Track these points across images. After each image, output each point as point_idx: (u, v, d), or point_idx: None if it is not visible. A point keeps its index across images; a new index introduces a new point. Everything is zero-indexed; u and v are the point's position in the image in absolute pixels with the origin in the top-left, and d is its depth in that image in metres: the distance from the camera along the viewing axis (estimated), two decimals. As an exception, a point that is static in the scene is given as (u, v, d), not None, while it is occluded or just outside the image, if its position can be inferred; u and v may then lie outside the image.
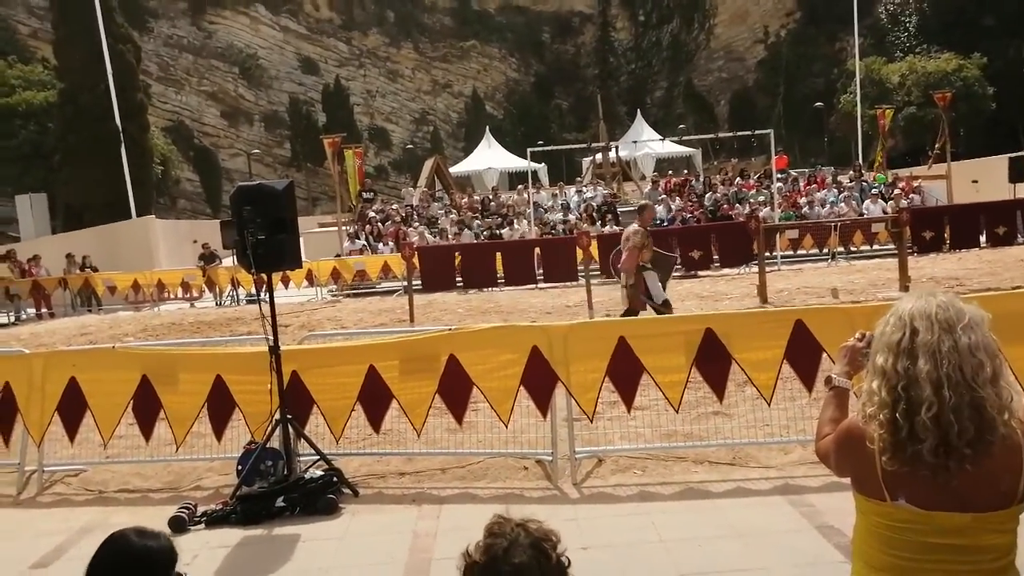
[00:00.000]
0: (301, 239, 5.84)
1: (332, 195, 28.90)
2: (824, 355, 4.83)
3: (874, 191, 22.00)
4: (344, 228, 21.53)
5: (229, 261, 18.59)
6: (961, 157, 28.75)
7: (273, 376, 4.88)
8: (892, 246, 14.34)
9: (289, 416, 4.95)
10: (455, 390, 5.00)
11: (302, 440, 5.10)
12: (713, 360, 4.93)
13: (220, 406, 5.25)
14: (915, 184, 23.40)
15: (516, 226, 20.35)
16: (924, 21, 45.29)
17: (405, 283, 13.14)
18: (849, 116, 39.42)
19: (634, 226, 8.38)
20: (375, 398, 5.10)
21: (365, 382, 5.08)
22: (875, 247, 17.65)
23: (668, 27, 63.70)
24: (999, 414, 1.71)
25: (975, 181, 25.93)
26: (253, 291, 14.89)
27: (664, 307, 8.36)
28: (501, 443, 5.18)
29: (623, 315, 8.32)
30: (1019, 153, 25.88)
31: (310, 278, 17.05)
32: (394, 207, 24.95)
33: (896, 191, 22.20)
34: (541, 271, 12.90)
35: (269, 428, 4.93)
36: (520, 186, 26.13)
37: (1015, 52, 39.40)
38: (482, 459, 5.21)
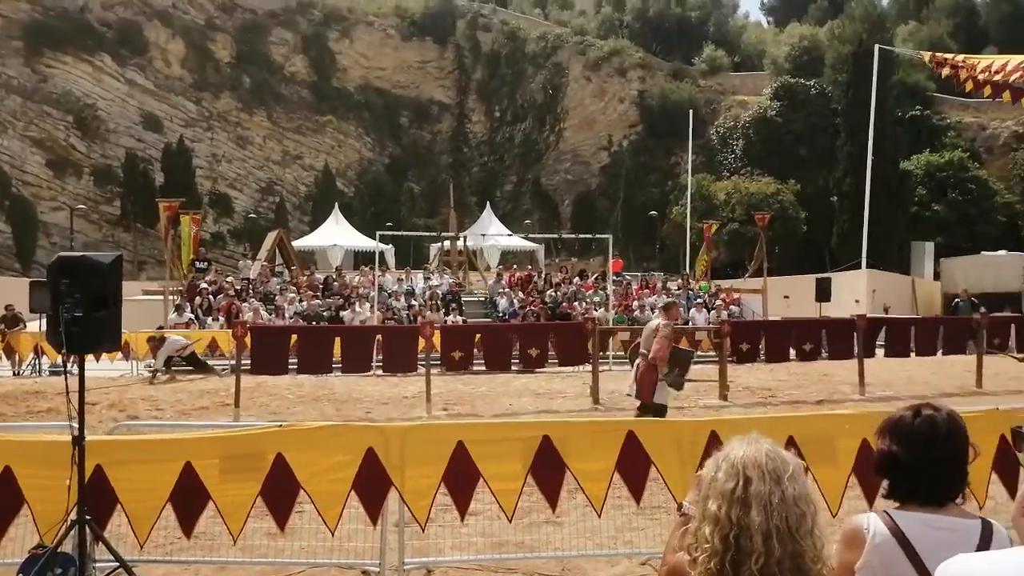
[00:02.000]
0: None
1: (161, 260, 27.33)
2: (652, 467, 4.99)
3: (698, 301, 23.55)
4: (171, 298, 20.33)
5: (34, 325, 16.96)
6: (775, 274, 31.51)
7: (74, 470, 4.39)
8: (713, 354, 15.25)
9: (88, 517, 4.45)
10: (280, 492, 4.69)
11: (100, 544, 4.58)
12: (548, 468, 4.96)
13: (4, 503, 4.64)
14: (735, 296, 25.30)
15: (358, 308, 20.00)
16: (749, 146, 49.97)
17: (232, 362, 12.49)
18: (679, 227, 42.42)
19: (661, 320, 8.70)
20: (189, 499, 4.68)
21: (179, 480, 4.65)
22: (698, 353, 18.74)
23: (521, 125, 66.52)
24: (814, 564, 1.79)
25: (787, 297, 28.47)
26: (59, 362, 13.58)
27: (661, 410, 8.39)
28: (326, 551, 4.90)
29: (642, 413, 8.28)
30: (825, 275, 28.78)
31: (126, 351, 15.71)
32: (228, 279, 23.89)
33: (718, 302, 23.88)
34: (380, 358, 12.65)
35: (62, 530, 4.40)
36: (365, 267, 25.88)
37: (823, 182, 44.14)
38: (304, 569, 4.89)
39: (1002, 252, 30.84)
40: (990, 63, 16.82)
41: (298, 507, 4.85)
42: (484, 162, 66.30)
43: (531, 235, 39.30)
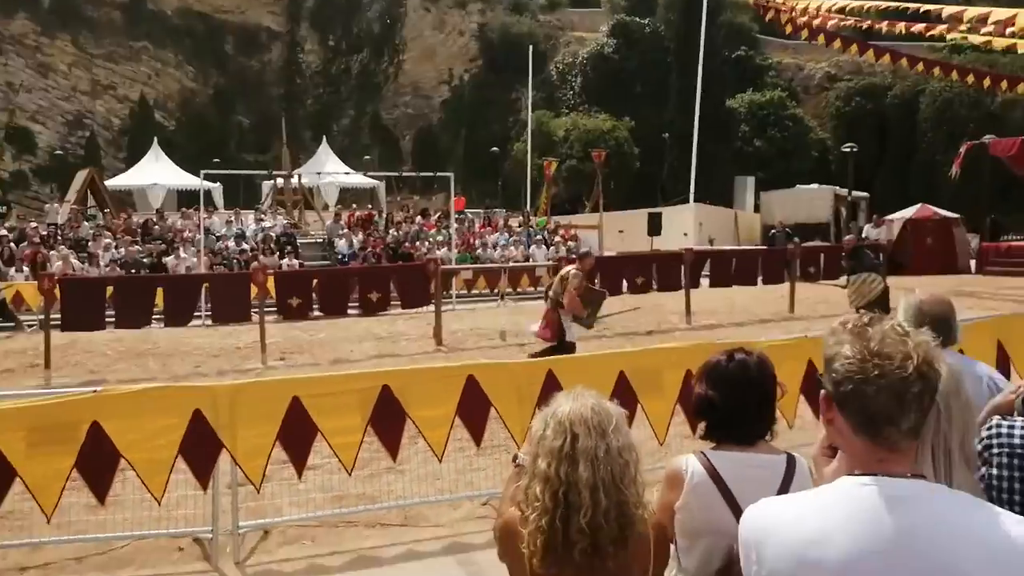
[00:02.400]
0: None
1: (-47, 203, 24.42)
2: (492, 409, 5.06)
3: (538, 237, 24.03)
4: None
5: None
6: (611, 208, 32.62)
7: None
8: (553, 289, 15.61)
9: None
10: (98, 463, 4.35)
11: None
12: (388, 418, 4.90)
13: None
14: (572, 232, 26.01)
15: (183, 254, 18.79)
16: (587, 83, 50.81)
17: (41, 318, 11.43)
18: (520, 163, 42.84)
19: (573, 269, 8.83)
20: (-10, 478, 4.26)
21: (-22, 458, 4.22)
22: (538, 288, 19.25)
23: (358, 56, 64.08)
24: (636, 509, 1.86)
25: (621, 231, 29.60)
26: None
27: (570, 347, 8.65)
28: (153, 521, 4.63)
29: (542, 353, 8.45)
30: (656, 209, 30.12)
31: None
32: (33, 225, 21.66)
33: (557, 238, 24.47)
34: (208, 307, 12.00)
35: None
36: (190, 208, 24.33)
37: (656, 119, 45.81)
38: (129, 542, 4.61)
39: (814, 185, 33.43)
40: (806, 5, 17.86)
41: (120, 476, 4.53)
42: (319, 94, 63.55)
43: (371, 173, 38.29)
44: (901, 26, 17.63)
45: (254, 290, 11.59)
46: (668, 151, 43.87)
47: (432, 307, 12.72)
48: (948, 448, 1.62)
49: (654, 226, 26.13)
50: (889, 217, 24.35)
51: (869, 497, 1.31)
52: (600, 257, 20.80)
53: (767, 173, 40.29)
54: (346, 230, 22.75)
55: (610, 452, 1.82)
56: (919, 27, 17.23)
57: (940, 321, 2.86)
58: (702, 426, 2.29)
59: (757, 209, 34.36)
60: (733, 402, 2.19)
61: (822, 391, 1.43)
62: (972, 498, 1.38)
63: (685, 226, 29.35)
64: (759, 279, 16.52)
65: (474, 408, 5.08)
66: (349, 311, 13.46)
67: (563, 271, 9.30)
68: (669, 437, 5.23)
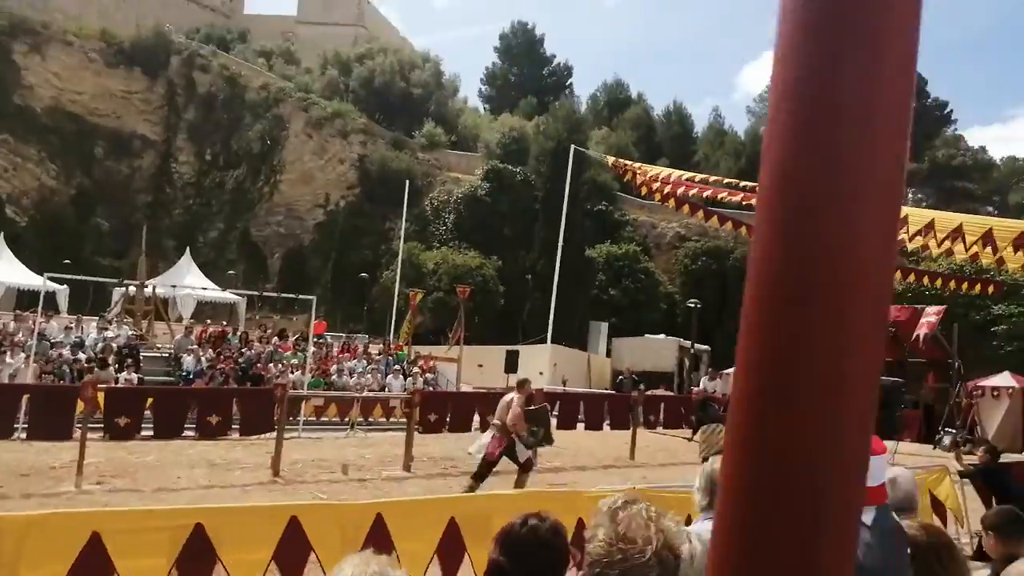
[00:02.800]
0: None
1: None
2: (312, 555, 4.92)
3: (396, 367, 23.92)
4: None
5: None
6: (474, 342, 33.05)
7: None
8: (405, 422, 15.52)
9: None
10: None
11: None
12: (198, 560, 4.68)
13: None
14: (431, 364, 26.08)
15: (9, 359, 17.41)
16: (459, 220, 52.50)
17: None
18: (388, 292, 43.05)
19: (515, 396, 10.08)
20: None
21: None
22: (391, 420, 19.00)
23: (234, 172, 63.73)
24: None
25: (481, 365, 29.95)
26: None
27: (526, 465, 9.89)
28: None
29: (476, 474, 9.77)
30: (514, 347, 30.79)
31: None
32: None
33: (415, 369, 24.45)
34: (26, 421, 11.11)
35: None
36: (25, 312, 22.74)
37: (521, 260, 47.61)
38: None
39: (661, 336, 35.31)
40: (658, 173, 19.57)
41: None
42: (189, 205, 62.26)
43: (231, 289, 37.32)
44: (740, 196, 19.56)
45: (80, 405, 10.87)
46: (530, 292, 45.43)
47: (275, 435, 12.30)
48: None
49: (511, 363, 26.64)
50: (727, 371, 25.99)
51: None
52: (452, 392, 20.97)
53: (620, 320, 42.30)
54: (195, 346, 21.85)
55: None
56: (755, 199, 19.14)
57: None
58: None
59: (609, 354, 35.76)
60: (521, 569, 2.19)
61: (584, 568, 1.53)
62: None
63: (541, 365, 30.10)
64: (606, 423, 17.05)
65: (294, 553, 4.93)
66: (186, 433, 12.80)
67: (505, 398, 10.58)
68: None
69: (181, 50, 66.13)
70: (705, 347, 33.85)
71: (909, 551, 2.60)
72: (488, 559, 2.31)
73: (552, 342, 32.45)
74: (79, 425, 10.66)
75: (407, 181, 47.08)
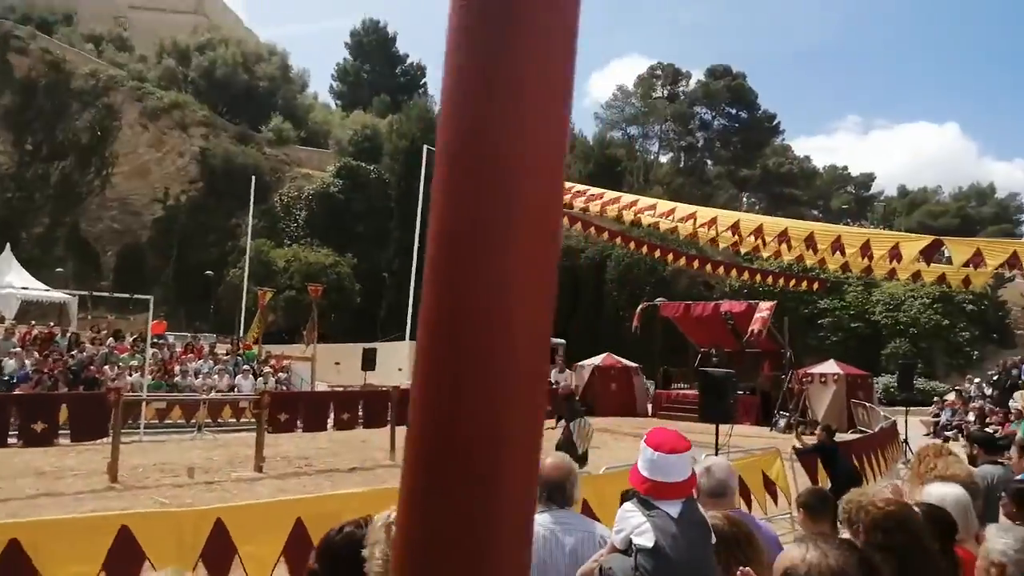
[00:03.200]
0: None
1: None
2: (147, 563, 4.62)
3: (245, 367, 22.98)
4: None
5: None
6: (330, 340, 32.27)
7: None
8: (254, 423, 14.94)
9: None
10: None
11: None
12: (10, 577, 4.27)
13: None
14: (285, 363, 25.25)
15: None
16: (312, 217, 51.11)
17: None
18: (236, 290, 41.23)
19: None
20: None
21: None
22: (242, 420, 18.23)
23: (60, 164, 58.87)
24: None
25: (337, 363, 29.28)
26: None
27: None
28: None
29: None
30: (371, 344, 30.32)
31: None
32: None
33: (267, 369, 23.59)
34: None
35: None
36: None
37: (377, 258, 46.97)
38: None
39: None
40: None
41: None
42: (8, 198, 56.99)
43: (66, 291, 34.46)
44: (597, 203, 20.23)
45: None
46: (387, 290, 44.93)
47: (110, 440, 11.49)
48: None
49: (368, 361, 26.21)
50: (579, 364, 26.76)
51: None
52: (304, 392, 20.43)
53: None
54: (19, 349, 20.04)
55: None
56: (610, 207, 19.84)
57: (554, 486, 3.16)
58: None
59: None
60: None
61: None
62: None
63: (400, 361, 29.80)
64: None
65: (125, 565, 4.60)
66: (9, 441, 11.72)
67: None
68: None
69: (-6, 29, 60.37)
70: (560, 341, 34.71)
71: (714, 540, 2.75)
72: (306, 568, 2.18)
73: (411, 338, 32.19)
74: None
75: (253, 176, 45.19)
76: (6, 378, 18.76)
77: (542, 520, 3.12)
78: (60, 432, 11.95)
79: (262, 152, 60.12)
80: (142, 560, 4.61)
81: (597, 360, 26.71)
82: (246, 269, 39.18)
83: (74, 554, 4.44)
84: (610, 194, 20.78)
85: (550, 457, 3.30)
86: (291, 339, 37.96)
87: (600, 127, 73.98)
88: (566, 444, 11.79)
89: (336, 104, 79.18)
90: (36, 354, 20.24)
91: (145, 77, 64.47)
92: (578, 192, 20.84)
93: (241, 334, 33.91)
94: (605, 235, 25.72)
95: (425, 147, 34.32)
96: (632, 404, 25.27)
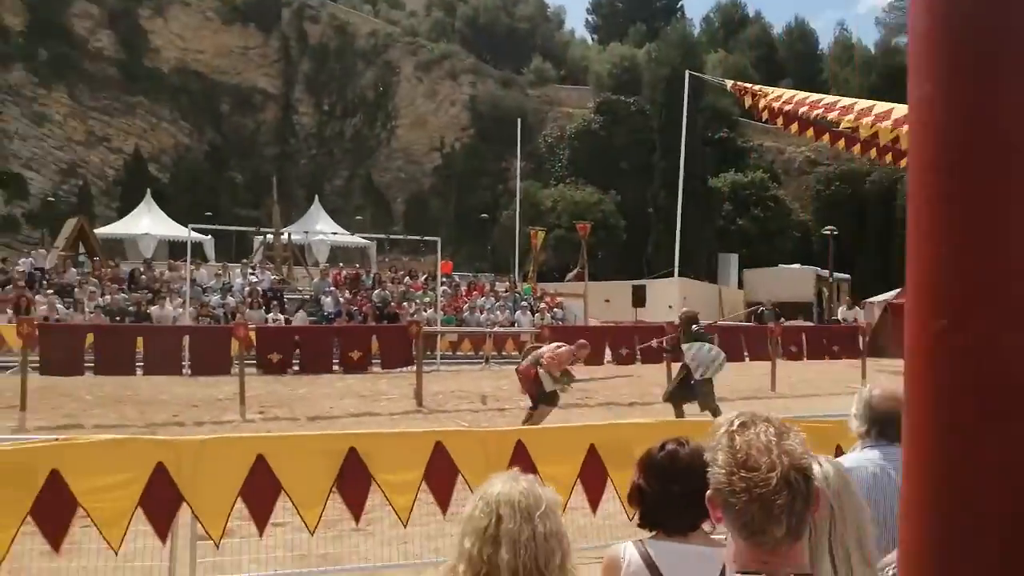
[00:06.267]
0: None
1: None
2: (459, 477, 5.02)
3: (523, 303, 24.13)
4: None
5: None
6: (597, 278, 32.87)
7: None
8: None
9: None
10: (55, 511, 4.28)
11: None
12: (354, 480, 4.86)
13: None
14: (558, 300, 26.14)
15: (168, 305, 18.74)
16: (574, 156, 51.76)
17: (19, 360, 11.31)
18: (509, 231, 43.27)
19: (569, 349, 9.54)
20: (-60, 521, 4.17)
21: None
22: (516, 353, 19.26)
23: (352, 120, 65.18)
24: None
25: (607, 300, 29.81)
26: None
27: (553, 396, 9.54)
28: (109, 571, 4.53)
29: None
30: (641, 282, 30.42)
31: None
32: (19, 268, 21.48)
33: (542, 305, 24.58)
34: (188, 359, 11.93)
35: None
36: (177, 260, 24.34)
37: (641, 194, 46.61)
38: (79, 595, 4.50)
39: (796, 265, 33.86)
40: (780, 95, 18.37)
41: (81, 522, 4.45)
42: (313, 155, 64.37)
43: (362, 235, 38.59)
44: (871, 117, 18.10)
45: (235, 344, 11.56)
46: (653, 226, 44.47)
47: (414, 368, 12.72)
48: (846, 547, 1.64)
49: (638, 298, 26.37)
50: (870, 300, 24.64)
51: None
52: (583, 327, 20.94)
53: (750, 251, 40.82)
54: (333, 288, 22.78)
55: (535, 537, 1.79)
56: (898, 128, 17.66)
57: (886, 420, 2.75)
58: (637, 514, 2.29)
59: (741, 286, 34.68)
60: (659, 492, 2.19)
61: (708, 491, 1.41)
62: None
63: (670, 299, 29.56)
64: (745, 355, 16.55)
65: (441, 475, 5.05)
66: (333, 368, 13.46)
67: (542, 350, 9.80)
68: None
69: (291, 2, 67.37)
70: (845, 276, 32.25)
71: None
72: (631, 483, 2.33)
73: (679, 275, 31.74)
74: (236, 361, 11.36)
75: (519, 119, 46.68)
76: (326, 314, 21.47)
77: (871, 456, 2.86)
78: (372, 360, 13.44)
79: (525, 94, 61.78)
80: (455, 473, 5.01)
81: (889, 295, 24.44)
82: (517, 211, 40.87)
83: (399, 463, 4.93)
84: (900, 109, 18.43)
85: (877, 388, 3.00)
86: (561, 277, 39.17)
87: (883, 33, 66.24)
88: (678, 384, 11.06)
89: (592, 38, 78.70)
90: (347, 293, 22.89)
91: (417, 31, 68.64)
92: (844, 108, 18.74)
93: (516, 272, 35.63)
94: (872, 152, 22.94)
95: (688, 72, 32.96)
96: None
